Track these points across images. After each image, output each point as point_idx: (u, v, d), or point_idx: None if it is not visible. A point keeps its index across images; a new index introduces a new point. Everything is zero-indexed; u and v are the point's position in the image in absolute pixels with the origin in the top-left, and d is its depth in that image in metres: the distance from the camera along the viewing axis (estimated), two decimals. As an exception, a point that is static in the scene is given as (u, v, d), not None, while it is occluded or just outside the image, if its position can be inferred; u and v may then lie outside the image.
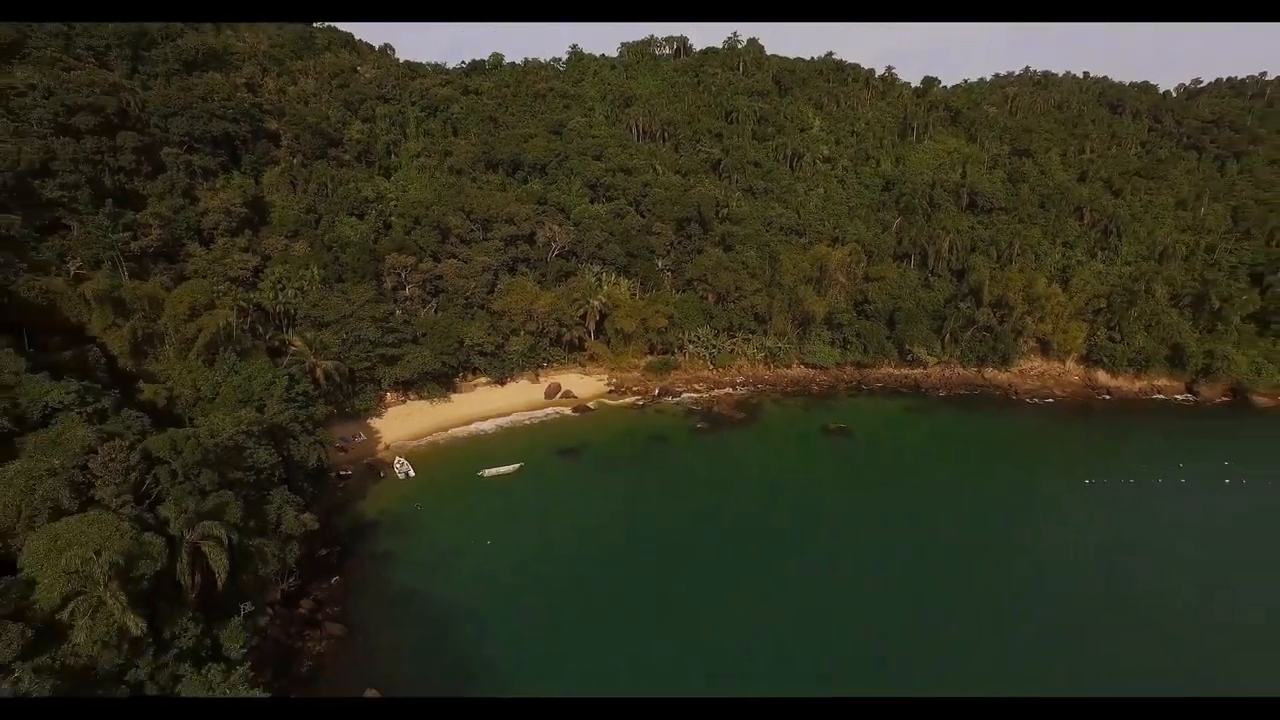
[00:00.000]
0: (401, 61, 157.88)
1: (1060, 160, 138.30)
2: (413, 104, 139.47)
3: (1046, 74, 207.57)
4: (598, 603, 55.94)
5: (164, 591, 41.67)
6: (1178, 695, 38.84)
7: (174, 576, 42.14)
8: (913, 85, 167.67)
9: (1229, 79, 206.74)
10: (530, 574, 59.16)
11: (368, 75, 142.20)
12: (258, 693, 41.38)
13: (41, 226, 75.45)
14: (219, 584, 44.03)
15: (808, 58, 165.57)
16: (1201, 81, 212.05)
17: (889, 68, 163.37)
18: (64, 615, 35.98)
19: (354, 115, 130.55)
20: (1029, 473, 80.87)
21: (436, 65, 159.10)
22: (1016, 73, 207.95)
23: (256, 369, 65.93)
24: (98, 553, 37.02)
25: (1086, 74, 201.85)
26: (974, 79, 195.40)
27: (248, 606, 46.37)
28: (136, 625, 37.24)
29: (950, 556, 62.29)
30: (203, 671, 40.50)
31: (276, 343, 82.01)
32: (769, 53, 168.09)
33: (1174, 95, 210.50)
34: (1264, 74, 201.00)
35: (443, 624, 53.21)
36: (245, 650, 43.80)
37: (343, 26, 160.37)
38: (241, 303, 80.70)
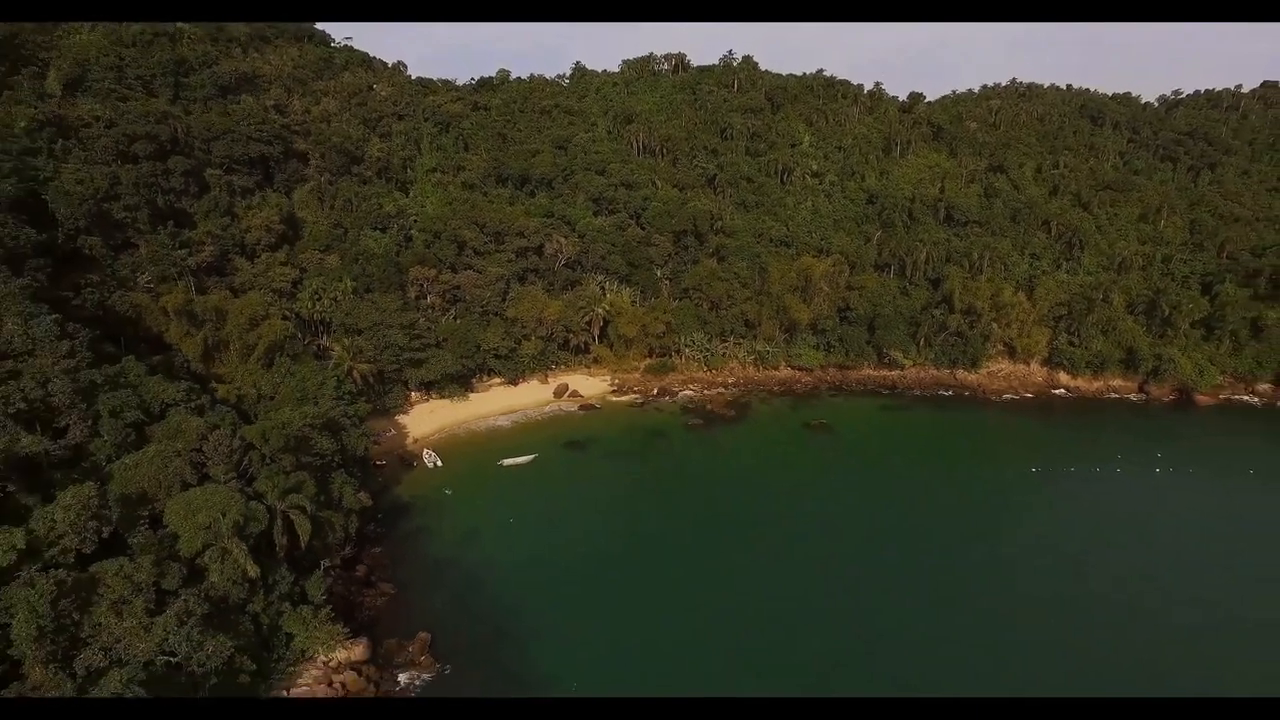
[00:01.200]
0: (414, 78, 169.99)
1: (1034, 174, 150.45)
2: (425, 120, 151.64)
3: (1031, 85, 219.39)
4: (603, 569, 67.88)
5: (263, 549, 53.71)
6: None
7: (270, 537, 54.19)
8: (900, 99, 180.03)
9: (1206, 91, 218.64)
10: (546, 546, 71.12)
11: (383, 93, 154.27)
12: (340, 629, 53.60)
13: (114, 245, 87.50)
14: (302, 545, 56.12)
15: (800, 73, 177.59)
16: (1181, 92, 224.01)
17: (877, 83, 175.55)
18: (202, 560, 48.05)
19: (372, 132, 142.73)
20: (986, 463, 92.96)
21: (446, 81, 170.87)
22: (1004, 83, 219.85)
23: (309, 371, 78.05)
24: (223, 514, 49.11)
25: (1069, 86, 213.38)
26: (965, 87, 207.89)
27: (325, 563, 58.40)
28: (252, 569, 49.35)
29: (908, 533, 74.21)
30: (297, 610, 52.72)
31: (315, 348, 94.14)
32: (763, 68, 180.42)
33: (1155, 105, 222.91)
34: (1239, 86, 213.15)
35: (474, 584, 65.24)
36: (324, 597, 55.90)
37: (359, 45, 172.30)
38: (285, 313, 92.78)
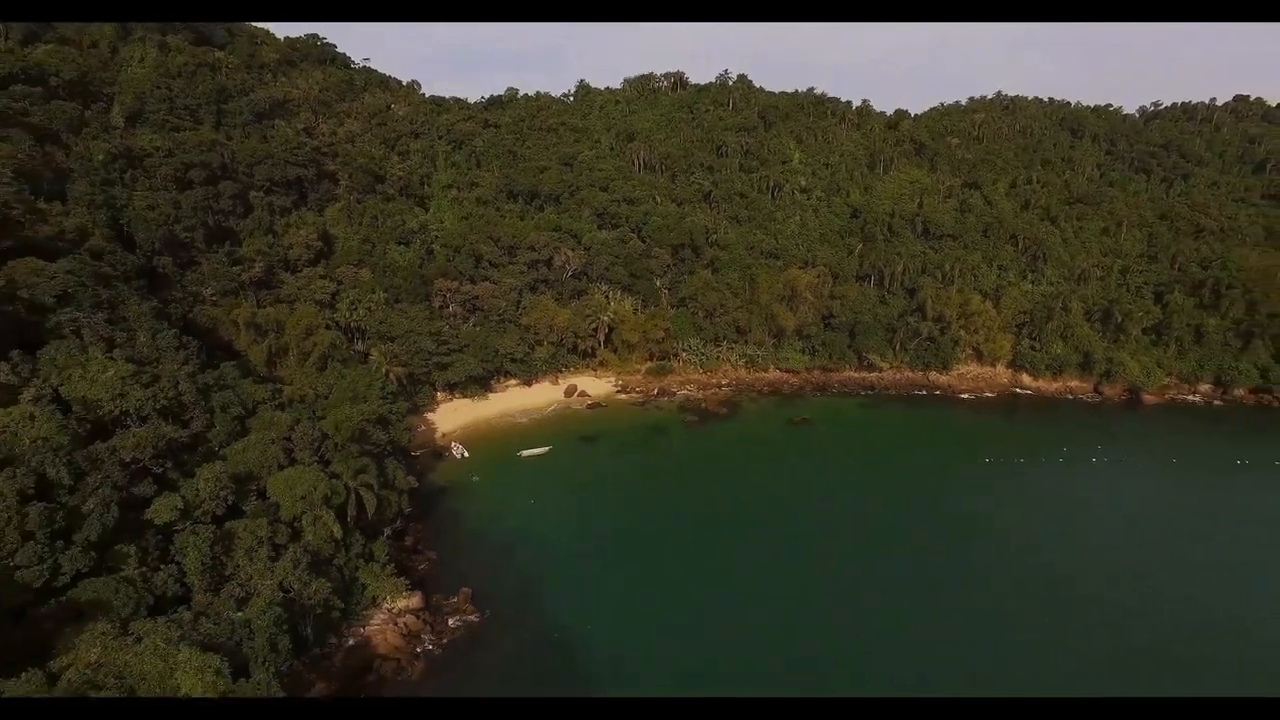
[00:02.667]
0: (427, 96, 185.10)
1: (1008, 190, 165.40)
2: (440, 138, 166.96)
3: (1016, 98, 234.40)
4: (611, 540, 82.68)
5: (339, 518, 68.60)
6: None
7: (345, 509, 69.10)
8: (887, 114, 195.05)
9: (1183, 103, 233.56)
10: (561, 522, 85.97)
11: (400, 112, 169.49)
12: (402, 582, 68.45)
13: (180, 264, 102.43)
14: (369, 515, 71.06)
15: (792, 90, 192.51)
16: (1161, 104, 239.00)
17: (865, 100, 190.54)
18: (300, 523, 63.00)
19: (392, 151, 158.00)
20: (947, 454, 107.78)
21: (458, 99, 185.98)
22: (990, 95, 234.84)
23: (357, 374, 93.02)
24: (314, 488, 64.05)
25: (1051, 99, 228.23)
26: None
27: (386, 531, 73.37)
28: (337, 531, 64.35)
29: (866, 509, 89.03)
30: (368, 565, 67.70)
31: (353, 353, 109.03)
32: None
33: (1135, 116, 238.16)
34: (1213, 99, 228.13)
35: (503, 551, 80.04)
36: (387, 559, 70.82)
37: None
38: (328, 322, 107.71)
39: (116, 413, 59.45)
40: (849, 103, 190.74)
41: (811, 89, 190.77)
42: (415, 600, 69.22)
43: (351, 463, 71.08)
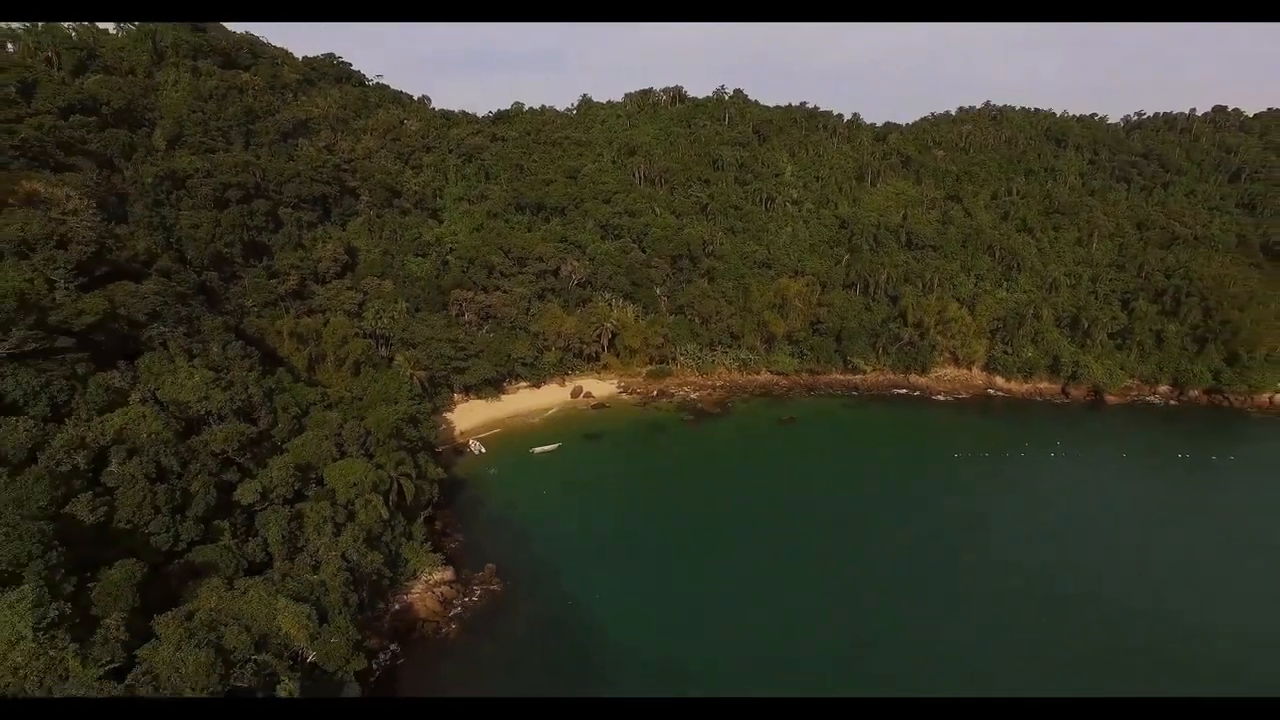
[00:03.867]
0: (437, 110, 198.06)
1: (989, 201, 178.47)
2: (450, 151, 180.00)
3: (1005, 108, 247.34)
4: (616, 524, 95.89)
5: (385, 503, 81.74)
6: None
7: (388, 495, 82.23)
8: (876, 125, 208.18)
9: (1164, 113, 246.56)
10: (571, 510, 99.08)
11: (413, 127, 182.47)
12: (438, 557, 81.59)
13: (224, 278, 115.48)
14: (408, 501, 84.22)
15: (785, 104, 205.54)
16: (1144, 113, 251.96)
17: (855, 114, 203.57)
18: (354, 506, 76.12)
19: (406, 165, 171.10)
20: (921, 449, 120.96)
21: (466, 113, 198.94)
22: (979, 106, 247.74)
23: (388, 377, 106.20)
24: (364, 477, 77.20)
25: (1036, 109, 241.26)
26: (948, 106, 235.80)
27: (422, 515, 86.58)
28: (385, 513, 77.49)
29: (844, 495, 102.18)
30: (409, 543, 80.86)
31: (379, 358, 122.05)
32: (753, 97, 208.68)
33: (1119, 125, 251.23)
34: (1193, 110, 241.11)
35: (521, 534, 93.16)
36: (424, 538, 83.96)
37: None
38: (357, 331, 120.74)
39: (202, 412, 72.64)
40: (840, 116, 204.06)
41: (804, 103, 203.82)
42: (448, 574, 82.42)
43: (392, 456, 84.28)
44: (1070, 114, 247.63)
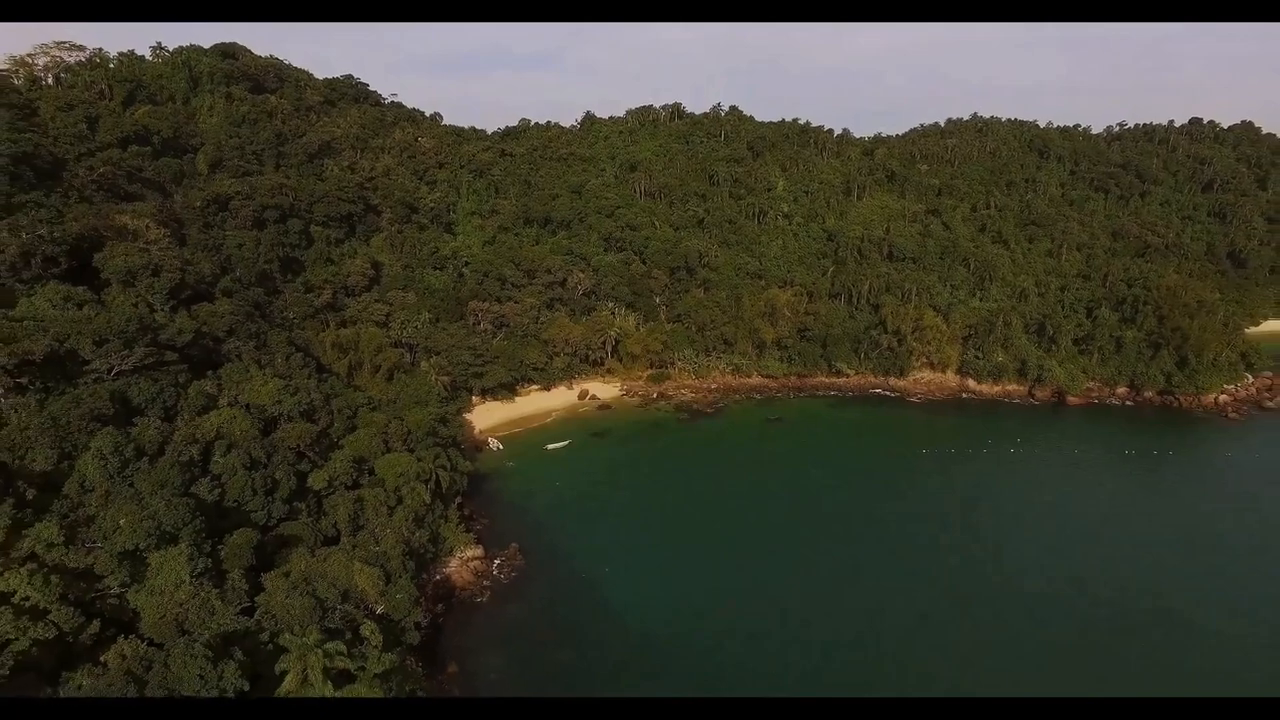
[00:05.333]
0: (448, 127, 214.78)
1: (968, 214, 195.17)
2: (462, 168, 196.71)
3: (992, 119, 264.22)
4: (621, 509, 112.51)
5: (427, 490, 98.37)
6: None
7: (428, 484, 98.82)
8: (865, 138, 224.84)
9: (1144, 125, 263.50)
10: (582, 498, 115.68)
11: (426, 145, 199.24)
12: (470, 536, 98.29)
13: (268, 292, 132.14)
14: (443, 490, 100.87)
15: (778, 120, 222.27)
16: (1126, 123, 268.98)
17: (845, 129, 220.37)
18: (401, 492, 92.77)
19: (421, 181, 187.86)
20: (894, 445, 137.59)
21: (476, 129, 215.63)
22: (966, 118, 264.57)
23: (418, 382, 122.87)
24: (409, 469, 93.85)
25: (1021, 120, 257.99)
26: (927, 123, 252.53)
27: (455, 502, 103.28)
28: (427, 499, 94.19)
29: (820, 483, 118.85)
30: (446, 524, 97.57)
31: (408, 364, 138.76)
32: (751, 104, 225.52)
33: (1100, 136, 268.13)
34: (1171, 121, 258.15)
35: (538, 519, 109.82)
36: (458, 520, 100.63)
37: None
38: (385, 340, 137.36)
39: (276, 414, 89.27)
40: (830, 131, 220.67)
41: (797, 119, 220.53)
42: (479, 551, 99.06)
43: (429, 451, 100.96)
44: (1055, 124, 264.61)
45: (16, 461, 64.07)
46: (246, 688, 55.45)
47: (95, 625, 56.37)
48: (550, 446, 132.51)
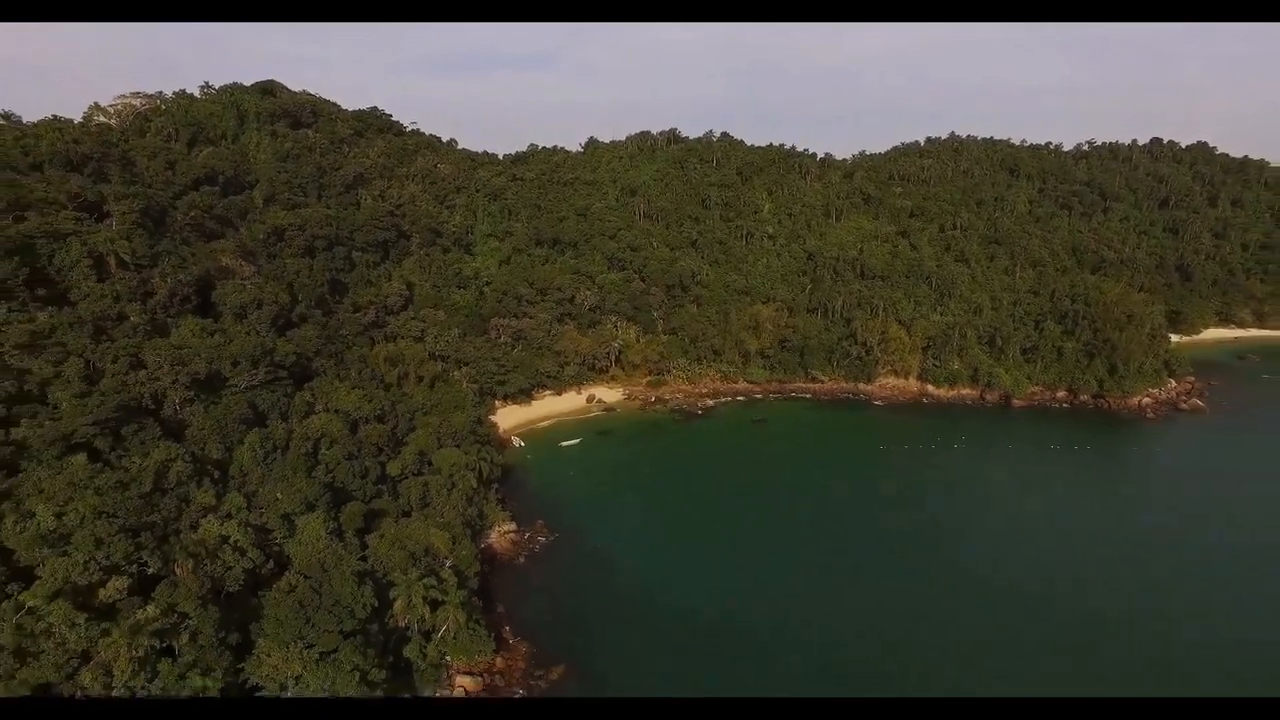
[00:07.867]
0: (463, 152, 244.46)
1: (935, 235, 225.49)
2: (478, 191, 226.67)
3: (969, 137, 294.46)
4: (626, 493, 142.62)
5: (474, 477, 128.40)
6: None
7: (474, 471, 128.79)
8: (846, 160, 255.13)
9: (1111, 143, 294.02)
10: (592, 485, 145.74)
11: (445, 171, 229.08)
12: (507, 514, 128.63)
13: (325, 313, 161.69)
14: (484, 477, 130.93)
15: (765, 145, 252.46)
16: (1096, 141, 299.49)
17: (827, 154, 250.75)
18: (454, 479, 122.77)
19: (442, 205, 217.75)
20: (859, 442, 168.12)
21: (489, 154, 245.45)
22: (943, 137, 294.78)
23: (454, 390, 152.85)
24: (460, 460, 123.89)
25: (994, 139, 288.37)
26: (910, 139, 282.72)
27: (493, 487, 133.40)
28: (475, 484, 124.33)
29: (793, 473, 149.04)
30: (488, 504, 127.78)
31: (443, 374, 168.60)
32: (737, 136, 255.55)
33: (1070, 153, 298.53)
34: (1134, 140, 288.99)
35: (558, 502, 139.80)
36: (496, 501, 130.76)
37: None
38: (425, 353, 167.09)
39: (358, 417, 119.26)
40: (814, 155, 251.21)
41: (783, 144, 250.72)
42: (513, 526, 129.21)
43: (472, 447, 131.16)
44: (1027, 142, 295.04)
45: (200, 452, 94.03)
46: (375, 604, 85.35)
47: (271, 564, 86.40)
48: (564, 444, 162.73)
